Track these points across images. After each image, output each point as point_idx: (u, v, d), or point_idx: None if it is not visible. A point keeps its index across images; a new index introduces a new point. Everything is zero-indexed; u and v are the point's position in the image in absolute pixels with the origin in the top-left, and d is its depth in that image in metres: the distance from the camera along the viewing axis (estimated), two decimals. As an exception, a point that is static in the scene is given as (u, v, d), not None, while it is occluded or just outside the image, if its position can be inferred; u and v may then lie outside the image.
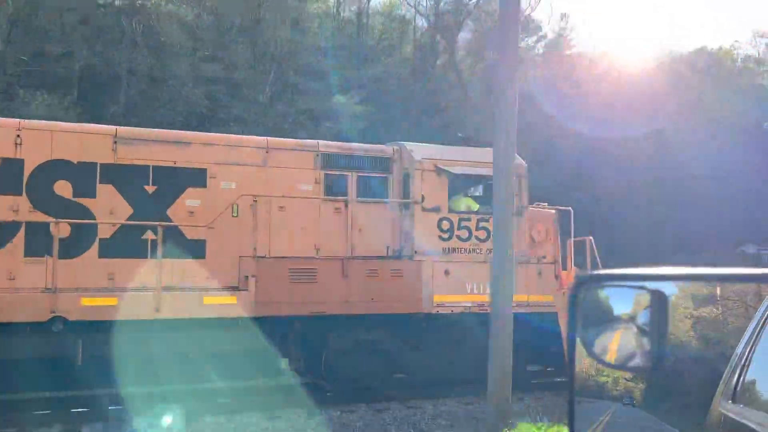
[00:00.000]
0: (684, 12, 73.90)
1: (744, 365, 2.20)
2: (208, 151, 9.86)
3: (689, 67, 35.59)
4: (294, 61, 26.19)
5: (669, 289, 2.06)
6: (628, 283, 2.12)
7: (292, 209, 10.10)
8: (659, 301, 1.94)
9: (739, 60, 38.36)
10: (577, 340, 2.13)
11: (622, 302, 2.13)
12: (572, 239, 11.50)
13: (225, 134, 11.06)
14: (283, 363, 9.84)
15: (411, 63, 31.97)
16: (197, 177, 9.73)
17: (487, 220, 10.78)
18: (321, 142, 10.71)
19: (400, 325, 10.36)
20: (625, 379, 2.60)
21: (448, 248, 10.52)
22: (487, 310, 10.47)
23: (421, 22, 34.58)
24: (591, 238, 11.82)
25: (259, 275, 9.36)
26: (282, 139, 11.10)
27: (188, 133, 10.51)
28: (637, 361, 2.09)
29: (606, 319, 2.14)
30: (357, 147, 10.96)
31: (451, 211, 10.67)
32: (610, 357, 2.19)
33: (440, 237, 10.49)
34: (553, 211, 11.86)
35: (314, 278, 9.62)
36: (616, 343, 2.16)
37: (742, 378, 2.18)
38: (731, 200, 29.07)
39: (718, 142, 29.64)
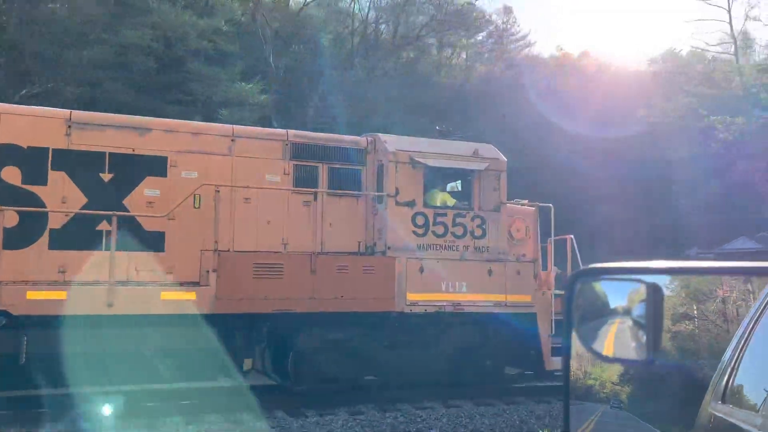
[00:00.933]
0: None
1: (734, 366, 2.19)
2: (170, 138, 9.31)
3: (676, 67, 35.43)
4: (186, 43, 24.26)
5: (664, 282, 2.07)
6: (624, 276, 2.12)
7: (258, 201, 9.58)
8: (655, 294, 1.96)
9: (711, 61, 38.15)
10: (574, 333, 2.14)
11: (617, 295, 2.13)
12: (552, 238, 11.07)
13: (188, 121, 10.50)
14: (247, 363, 9.27)
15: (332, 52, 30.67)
16: (157, 165, 9.19)
17: (464, 216, 10.34)
18: (291, 131, 10.19)
19: (371, 325, 9.86)
20: (612, 382, 2.55)
21: (423, 244, 10.04)
22: (463, 309, 10.03)
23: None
24: (572, 236, 11.39)
25: (221, 270, 8.82)
26: (249, 127, 10.59)
27: (148, 118, 9.94)
28: (632, 354, 2.08)
29: (602, 313, 2.14)
30: (329, 137, 10.46)
31: (426, 205, 10.19)
32: (606, 350, 2.17)
33: (415, 232, 10.01)
34: (534, 208, 11.43)
35: (280, 274, 9.08)
36: (612, 336, 2.14)
37: (731, 379, 2.18)
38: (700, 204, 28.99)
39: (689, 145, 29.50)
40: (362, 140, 10.50)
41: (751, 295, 2.29)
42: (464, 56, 39.32)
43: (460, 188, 10.96)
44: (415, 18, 34.85)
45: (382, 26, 35.42)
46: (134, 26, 23.18)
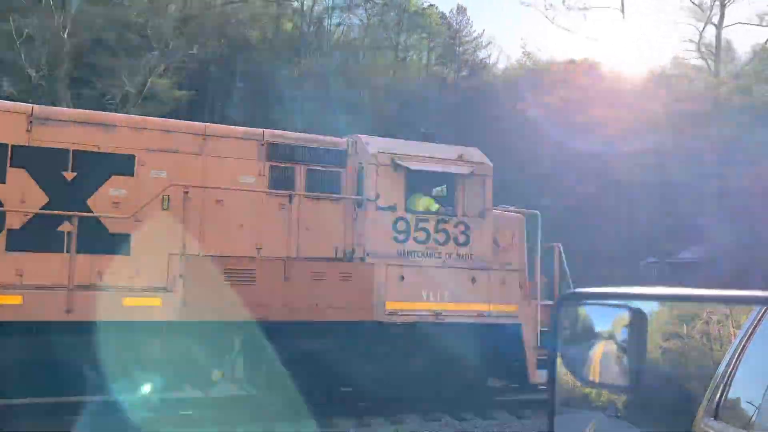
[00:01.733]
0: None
1: (726, 383, 2.22)
2: (138, 135, 8.85)
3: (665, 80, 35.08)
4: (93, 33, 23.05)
5: (648, 308, 2.08)
6: (609, 302, 2.14)
7: (231, 203, 9.12)
8: (639, 319, 1.97)
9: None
10: (558, 356, 2.17)
11: (602, 320, 2.15)
12: (539, 245, 10.66)
13: (158, 118, 10.06)
14: (216, 374, 8.80)
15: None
16: (124, 164, 8.72)
17: (447, 222, 9.92)
18: (267, 131, 9.74)
19: (348, 334, 9.41)
20: (609, 392, 2.53)
21: (404, 251, 9.60)
22: (444, 319, 9.61)
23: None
24: (559, 244, 11.01)
25: (189, 275, 8.35)
26: (223, 126, 10.11)
27: (115, 115, 9.51)
28: (616, 379, 2.09)
29: (587, 337, 2.17)
30: (308, 138, 10.01)
31: (408, 210, 9.77)
32: (590, 374, 2.19)
33: (395, 238, 9.58)
34: (520, 215, 11.03)
35: (252, 280, 8.62)
36: (597, 361, 2.15)
37: (724, 395, 2.20)
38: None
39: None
40: (342, 141, 10.07)
41: (729, 318, 2.34)
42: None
43: (446, 193, 10.56)
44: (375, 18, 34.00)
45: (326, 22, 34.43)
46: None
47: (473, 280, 9.91)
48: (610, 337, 2.10)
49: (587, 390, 2.48)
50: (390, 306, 9.39)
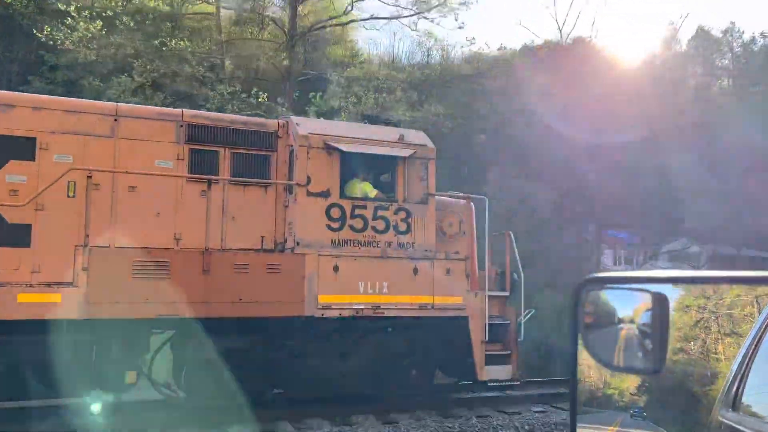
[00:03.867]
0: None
1: (743, 374, 2.24)
2: (39, 116, 8.03)
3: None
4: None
5: (670, 291, 2.09)
6: (630, 286, 2.16)
7: (145, 190, 8.35)
8: (660, 303, 1.99)
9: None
10: (579, 341, 2.16)
11: (624, 304, 2.14)
12: (487, 233, 10.00)
13: (62, 98, 9.23)
14: (130, 376, 8.04)
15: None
16: (23, 148, 7.90)
17: (386, 209, 9.23)
18: (187, 111, 8.96)
19: (277, 331, 8.70)
20: (631, 393, 2.55)
21: (339, 240, 8.90)
22: (383, 312, 8.93)
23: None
24: (510, 232, 10.38)
25: (92, 269, 7.58)
26: (136, 105, 9.32)
27: (13, 93, 8.63)
28: (640, 363, 2.10)
29: (609, 322, 2.15)
30: (233, 119, 9.26)
31: (343, 196, 9.06)
32: (613, 359, 2.16)
33: (329, 226, 8.86)
34: (468, 201, 10.36)
35: (165, 274, 7.87)
36: (619, 346, 2.12)
37: (741, 387, 2.23)
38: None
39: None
40: (272, 123, 9.33)
41: (757, 301, 2.30)
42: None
43: (389, 177, 9.86)
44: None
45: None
46: None
47: (415, 270, 9.23)
48: (633, 321, 2.09)
49: (611, 391, 2.52)
50: (323, 299, 8.68)
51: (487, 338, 9.55)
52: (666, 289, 2.04)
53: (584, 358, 2.19)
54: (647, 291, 2.03)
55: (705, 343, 2.49)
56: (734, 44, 40.03)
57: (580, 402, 2.30)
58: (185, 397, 8.48)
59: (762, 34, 38.97)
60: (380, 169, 10.09)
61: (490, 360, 9.70)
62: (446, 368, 10.38)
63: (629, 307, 2.12)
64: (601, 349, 2.15)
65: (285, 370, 8.77)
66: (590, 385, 2.44)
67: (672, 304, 2.06)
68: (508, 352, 9.96)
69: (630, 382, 2.53)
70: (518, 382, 10.25)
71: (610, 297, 2.18)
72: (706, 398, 2.35)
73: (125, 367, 8.03)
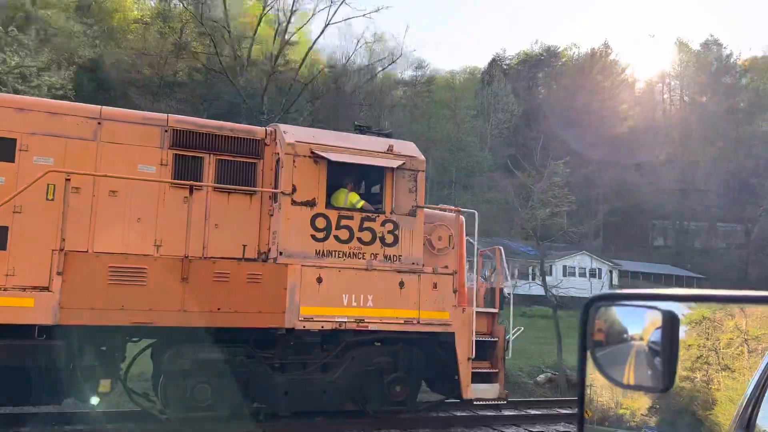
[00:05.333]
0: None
1: (758, 397, 2.19)
2: (20, 117, 7.91)
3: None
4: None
5: (680, 310, 2.09)
6: (640, 303, 2.16)
7: (127, 194, 8.21)
8: (671, 322, 1.98)
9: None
10: (588, 358, 2.16)
11: (634, 322, 2.13)
12: (476, 247, 9.82)
13: (45, 99, 9.13)
14: (104, 384, 7.84)
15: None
16: (2, 148, 7.79)
17: (373, 220, 9.05)
18: (172, 116, 8.82)
19: (257, 343, 8.51)
20: (643, 414, 2.47)
21: (323, 251, 8.71)
22: (367, 326, 8.73)
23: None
24: (500, 247, 10.19)
25: (68, 274, 7.41)
26: (120, 109, 9.17)
27: (-5, 93, 8.54)
28: (649, 382, 2.08)
29: (618, 339, 2.15)
30: (220, 125, 9.11)
31: (329, 206, 8.89)
32: (622, 377, 2.14)
33: (313, 236, 8.68)
34: (458, 214, 10.18)
35: (142, 281, 7.69)
36: (629, 364, 2.11)
37: (756, 409, 2.19)
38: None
39: None
40: (260, 130, 9.19)
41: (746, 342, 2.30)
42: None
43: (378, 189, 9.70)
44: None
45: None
46: None
47: (401, 283, 9.03)
48: (642, 339, 2.08)
49: (622, 411, 2.48)
50: (305, 311, 8.48)
51: (473, 355, 9.33)
52: (676, 307, 2.05)
53: (592, 375, 2.21)
54: (657, 309, 2.02)
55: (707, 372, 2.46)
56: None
57: (586, 420, 2.32)
58: (162, 408, 8.28)
59: None
60: (368, 179, 9.95)
61: (477, 378, 9.47)
62: (433, 385, 10.16)
63: (639, 324, 2.12)
64: (611, 366, 2.16)
65: (263, 384, 8.56)
66: (602, 405, 2.43)
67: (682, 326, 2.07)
68: (496, 370, 9.74)
69: (642, 402, 2.52)
70: (505, 401, 10.01)
71: (620, 314, 2.19)
72: (714, 421, 2.33)
73: (99, 375, 7.83)
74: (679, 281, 49.40)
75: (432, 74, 59.14)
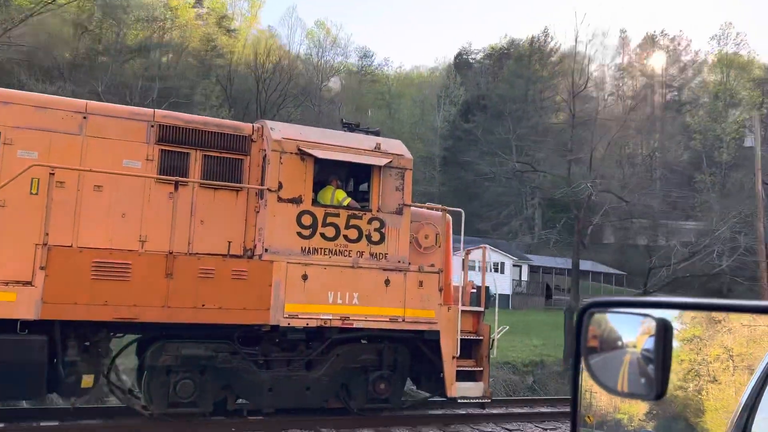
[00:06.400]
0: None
1: (754, 404, 2.22)
2: (6, 110, 7.84)
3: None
4: None
5: (674, 317, 2.12)
6: (633, 311, 2.16)
7: (112, 190, 8.17)
8: (664, 329, 1.99)
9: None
10: (582, 365, 2.18)
11: (627, 329, 2.13)
12: (462, 246, 9.84)
13: (30, 92, 9.06)
14: (86, 380, 7.82)
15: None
16: (-15, 142, 7.74)
17: (360, 218, 9.05)
18: (159, 111, 8.79)
19: (241, 339, 8.50)
20: (640, 419, 2.50)
21: (309, 248, 8.71)
22: (352, 324, 8.73)
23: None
24: (486, 246, 10.22)
25: (50, 268, 7.37)
26: (106, 104, 9.13)
27: (-21, 87, 8.48)
28: (641, 389, 2.06)
29: (612, 346, 2.17)
30: (207, 121, 9.09)
31: (315, 203, 8.89)
32: (616, 384, 2.13)
33: (299, 233, 8.68)
34: (444, 213, 10.19)
35: (126, 276, 7.67)
36: (622, 371, 2.11)
37: (751, 415, 2.21)
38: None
39: None
40: (247, 126, 9.16)
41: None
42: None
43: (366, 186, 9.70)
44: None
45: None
46: None
47: (387, 281, 9.04)
48: (635, 346, 2.09)
49: (620, 416, 2.49)
50: (290, 308, 8.48)
51: (458, 353, 9.36)
52: (669, 315, 2.06)
53: (586, 381, 2.21)
54: (651, 316, 2.03)
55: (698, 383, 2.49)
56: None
57: (579, 425, 2.32)
58: (145, 404, 8.26)
59: None
60: (355, 177, 9.95)
61: (462, 376, 9.50)
62: (418, 382, 10.19)
63: (633, 332, 2.13)
64: (604, 373, 2.16)
65: (247, 381, 8.55)
66: (600, 410, 2.44)
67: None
68: (481, 368, 9.77)
69: (639, 409, 2.53)
70: (489, 400, 10.05)
71: (614, 321, 2.19)
72: (704, 428, 2.37)
73: (82, 371, 7.80)
74: (596, 277, 49.51)
75: (380, 66, 60.56)
